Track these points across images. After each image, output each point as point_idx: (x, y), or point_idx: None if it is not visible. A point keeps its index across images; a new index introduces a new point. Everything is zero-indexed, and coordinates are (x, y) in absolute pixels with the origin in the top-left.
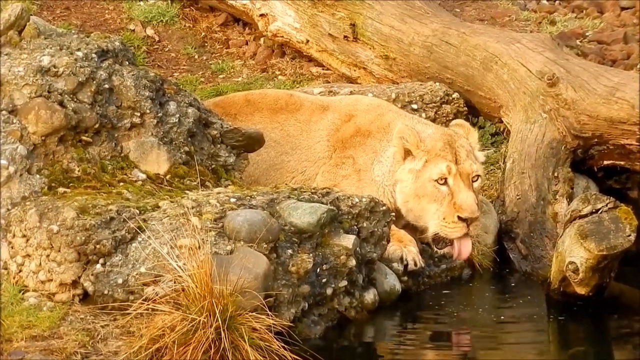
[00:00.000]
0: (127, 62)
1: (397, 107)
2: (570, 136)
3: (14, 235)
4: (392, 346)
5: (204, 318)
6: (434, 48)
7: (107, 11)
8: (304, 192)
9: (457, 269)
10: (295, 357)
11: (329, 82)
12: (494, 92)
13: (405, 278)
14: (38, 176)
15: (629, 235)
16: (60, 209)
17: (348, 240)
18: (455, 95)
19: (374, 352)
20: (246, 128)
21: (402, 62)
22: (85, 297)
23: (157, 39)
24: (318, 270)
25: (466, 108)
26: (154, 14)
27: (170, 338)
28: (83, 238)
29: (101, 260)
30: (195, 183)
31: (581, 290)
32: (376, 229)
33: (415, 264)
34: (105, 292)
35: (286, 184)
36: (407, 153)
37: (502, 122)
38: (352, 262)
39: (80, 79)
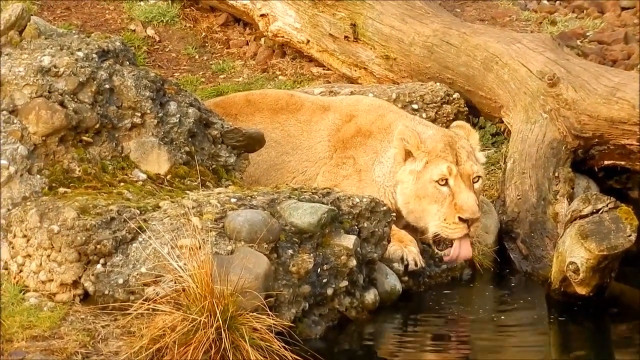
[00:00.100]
0: (127, 62)
1: (398, 107)
2: (570, 136)
3: (14, 236)
4: (393, 346)
5: (205, 318)
6: (434, 48)
7: (107, 11)
8: (305, 192)
9: (458, 269)
10: (296, 357)
11: (330, 83)
12: (494, 92)
13: (406, 278)
14: (39, 176)
15: (630, 236)
16: (61, 209)
17: (349, 241)
18: (456, 95)
19: (375, 352)
20: (247, 128)
21: (402, 62)
22: (86, 297)
23: (157, 39)
24: (319, 270)
25: (467, 108)
26: (155, 14)
27: (171, 338)
28: (84, 238)
29: (102, 261)
30: (195, 183)
31: (582, 291)
32: (377, 229)
33: (416, 264)
34: (106, 292)
35: (287, 184)
36: (408, 154)
37: (502, 122)
38: (353, 262)
39: (80, 79)
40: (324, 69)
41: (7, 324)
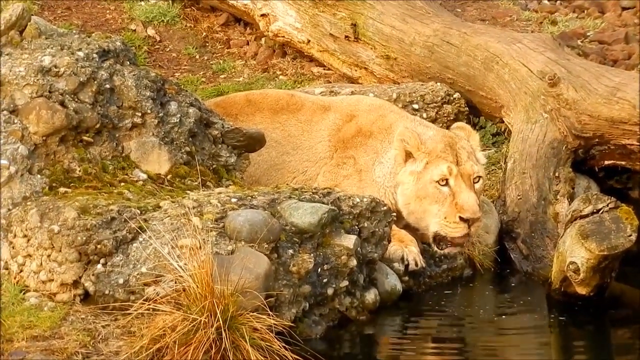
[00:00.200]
0: (128, 62)
1: (398, 107)
2: (571, 136)
3: (15, 235)
4: (393, 346)
5: (205, 318)
6: (435, 48)
7: (108, 11)
8: (305, 192)
9: (458, 269)
10: (296, 357)
11: (330, 82)
12: (495, 92)
13: (406, 278)
14: (39, 176)
15: (630, 235)
16: (61, 209)
17: (349, 240)
18: (456, 95)
19: (375, 352)
20: (247, 128)
21: (403, 62)
22: (86, 297)
23: (158, 39)
24: (319, 270)
25: (467, 108)
26: (155, 14)
27: (171, 338)
28: (84, 238)
29: (102, 260)
30: (196, 183)
31: (582, 290)
32: (377, 229)
33: (417, 264)
34: (106, 292)
35: (287, 184)
36: (408, 155)
37: (503, 122)
38: (353, 262)
39: (81, 79)
40: (324, 69)
41: (7, 324)
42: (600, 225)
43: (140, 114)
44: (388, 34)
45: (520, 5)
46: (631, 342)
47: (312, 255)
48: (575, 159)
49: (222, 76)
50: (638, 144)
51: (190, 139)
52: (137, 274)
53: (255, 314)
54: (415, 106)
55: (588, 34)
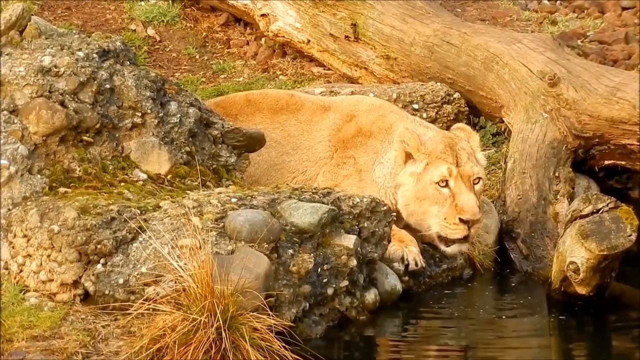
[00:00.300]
0: (128, 62)
1: (398, 107)
2: (571, 136)
3: (15, 235)
4: (393, 346)
5: (205, 318)
6: (435, 48)
7: (108, 11)
8: (305, 192)
9: (458, 269)
10: (296, 357)
11: (330, 82)
12: (495, 92)
13: (406, 278)
14: (39, 176)
15: (630, 235)
16: (61, 209)
17: (349, 240)
18: (456, 95)
19: (375, 352)
20: (247, 128)
21: (403, 62)
22: (86, 297)
23: (158, 39)
24: (319, 270)
25: (467, 108)
26: (155, 14)
27: (171, 338)
28: (84, 238)
29: (102, 260)
30: (196, 183)
31: (582, 290)
32: (377, 229)
33: (417, 264)
34: (106, 292)
35: (287, 184)
36: (408, 156)
37: (503, 122)
38: (353, 262)
39: (81, 79)
40: (324, 69)
41: (7, 324)
42: (600, 225)
43: (140, 114)
44: (388, 34)
45: (520, 5)
46: (631, 341)
47: (312, 255)
48: (575, 159)
49: (222, 76)
50: (638, 143)
51: (190, 139)
52: (137, 274)
53: (255, 314)
54: (415, 106)
55: (588, 34)
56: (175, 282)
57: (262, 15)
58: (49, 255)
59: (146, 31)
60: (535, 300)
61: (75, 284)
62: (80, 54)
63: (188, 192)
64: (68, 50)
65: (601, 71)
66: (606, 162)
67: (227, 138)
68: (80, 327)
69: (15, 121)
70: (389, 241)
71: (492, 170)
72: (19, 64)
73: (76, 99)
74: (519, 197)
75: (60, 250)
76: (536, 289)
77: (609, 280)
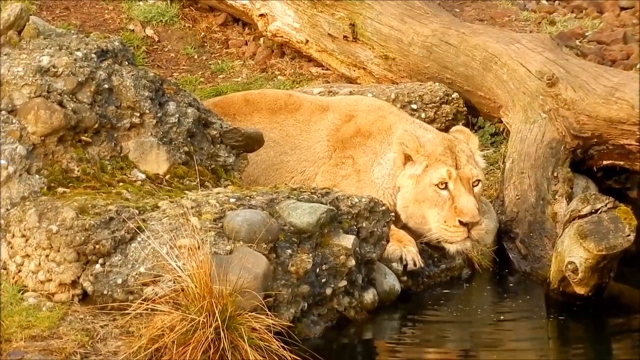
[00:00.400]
0: (126, 62)
1: (397, 108)
2: (569, 136)
3: (13, 235)
4: (392, 346)
5: (204, 318)
6: (433, 48)
7: (106, 11)
8: (304, 192)
9: (457, 269)
10: (295, 357)
11: (329, 82)
12: (493, 92)
13: (405, 278)
14: (37, 176)
15: (628, 235)
16: (60, 209)
17: (347, 240)
18: (455, 95)
19: (373, 352)
20: (245, 128)
21: (401, 62)
22: (85, 297)
23: (156, 39)
24: (317, 270)
25: (466, 108)
26: (154, 14)
27: (170, 338)
28: (82, 238)
29: (100, 261)
30: (194, 183)
31: (580, 290)
32: (376, 229)
33: (415, 264)
34: (105, 292)
35: (285, 184)
36: (407, 158)
37: (501, 122)
38: (352, 262)
39: (79, 79)
40: (323, 69)
41: (5, 324)
42: (598, 225)
43: (138, 114)
44: (386, 34)
45: (519, 5)
46: (630, 342)
47: (310, 255)
48: (573, 159)
49: (221, 76)
50: (636, 144)
51: (189, 139)
52: (136, 274)
53: (253, 314)
54: (414, 106)
55: (586, 34)
56: (174, 282)
57: (261, 15)
58: (47, 255)
59: (145, 31)
60: (534, 300)
61: (74, 284)
62: (79, 54)
63: (186, 192)
64: (66, 50)
65: (600, 71)
66: (605, 162)
67: (225, 138)
68: (78, 327)
69: (14, 121)
70: (388, 241)
71: (491, 170)
72: (17, 64)
73: (74, 99)
74: (517, 197)
75: (58, 250)
76: (534, 289)
77: (608, 280)
